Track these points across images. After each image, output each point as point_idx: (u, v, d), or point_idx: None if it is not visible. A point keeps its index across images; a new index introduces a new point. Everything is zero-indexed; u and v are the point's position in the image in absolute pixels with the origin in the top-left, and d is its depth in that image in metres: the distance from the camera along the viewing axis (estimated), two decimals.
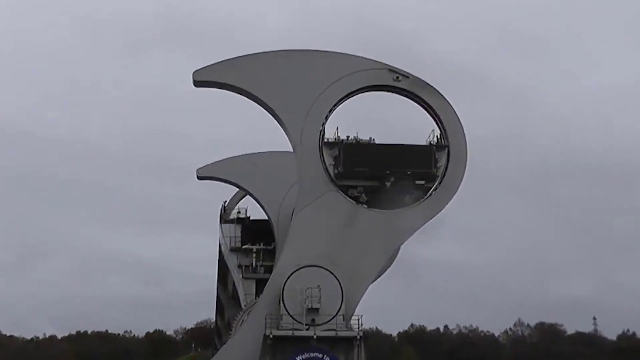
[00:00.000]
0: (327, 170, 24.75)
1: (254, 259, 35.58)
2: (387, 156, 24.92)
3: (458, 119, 25.45)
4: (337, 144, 24.99)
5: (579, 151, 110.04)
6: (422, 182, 24.89)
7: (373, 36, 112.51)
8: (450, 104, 25.48)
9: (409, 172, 24.71)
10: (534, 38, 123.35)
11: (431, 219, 24.95)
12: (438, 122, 25.53)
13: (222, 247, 38.41)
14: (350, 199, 24.75)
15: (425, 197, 25.06)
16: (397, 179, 24.69)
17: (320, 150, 24.82)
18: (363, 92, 25.73)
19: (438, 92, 25.53)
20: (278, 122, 25.63)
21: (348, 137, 25.58)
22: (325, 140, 25.04)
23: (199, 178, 35.75)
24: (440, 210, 24.91)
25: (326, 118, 25.21)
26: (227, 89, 25.70)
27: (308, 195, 24.63)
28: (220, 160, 35.85)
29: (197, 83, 25.26)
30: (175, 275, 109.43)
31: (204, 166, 35.80)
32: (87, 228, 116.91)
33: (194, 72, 24.98)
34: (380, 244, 24.64)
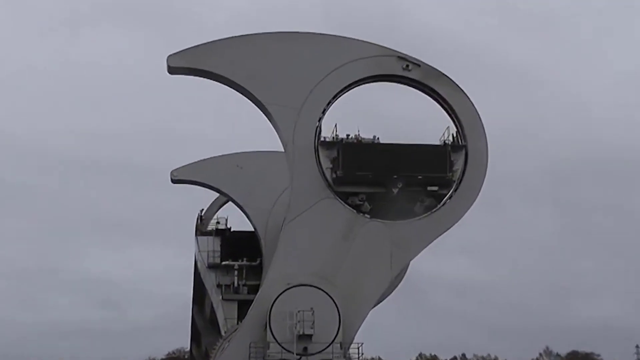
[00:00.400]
0: (323, 174, 23.97)
1: (236, 277, 34.75)
2: (394, 158, 24.19)
3: (478, 114, 24.65)
4: (336, 143, 24.19)
5: (606, 148, 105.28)
6: (435, 188, 24.16)
7: (351, 11, 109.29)
8: (468, 98, 24.70)
9: (419, 177, 23.97)
10: (548, 14, 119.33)
11: (446, 231, 24.14)
12: (454, 118, 24.78)
13: (199, 263, 37.60)
14: (351, 208, 23.91)
15: (439, 206, 24.25)
16: (406, 184, 23.92)
17: (316, 151, 24.03)
18: (367, 82, 24.92)
19: (455, 83, 24.74)
20: (267, 117, 24.81)
21: (348, 135, 24.74)
22: (322, 139, 24.23)
23: (174, 181, 34.87)
24: (457, 221, 24.12)
25: (323, 112, 24.38)
26: (207, 77, 24.86)
27: (301, 202, 23.87)
28: (199, 160, 34.96)
29: (172, 70, 24.39)
30: (142, 296, 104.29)
31: (179, 167, 34.89)
32: (27, 239, 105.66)
33: (168, 57, 24.11)
34: (385, 261, 23.81)
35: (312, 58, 24.48)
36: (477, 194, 24.29)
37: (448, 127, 25.06)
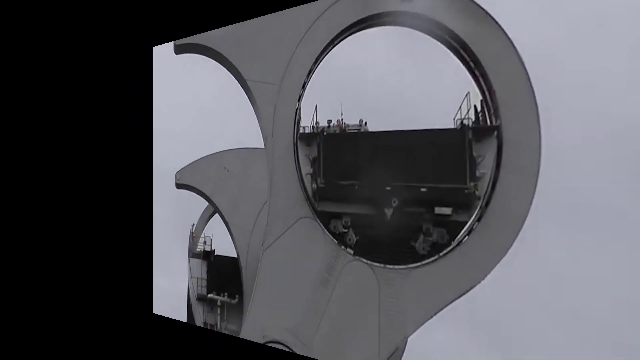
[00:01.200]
0: (302, 181, 18.61)
1: (219, 317, 30.52)
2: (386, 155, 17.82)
3: (527, 75, 14.93)
4: (316, 135, 18.50)
5: None
6: (448, 211, 15.78)
7: None
8: (510, 39, 15.16)
9: (422, 190, 16.18)
10: None
11: (468, 291, 15.56)
12: (481, 80, 15.60)
13: (190, 292, 33.91)
14: (332, 236, 17.93)
15: (453, 245, 15.86)
16: (402, 202, 16.68)
17: (295, 146, 18.64)
18: (352, 32, 18.45)
19: (493, 18, 15.43)
20: (250, 101, 19.77)
21: (330, 122, 19.23)
22: (302, 129, 18.83)
23: (178, 186, 31.69)
24: (488, 273, 15.37)
25: (303, 87, 18.69)
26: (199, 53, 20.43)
27: (278, 221, 18.91)
28: (199, 159, 31.30)
29: (178, 48, 20.66)
30: None
31: (183, 168, 31.57)
32: None
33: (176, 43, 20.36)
34: (371, 332, 17.18)
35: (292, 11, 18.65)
36: (524, 221, 14.83)
37: (468, 93, 15.78)
